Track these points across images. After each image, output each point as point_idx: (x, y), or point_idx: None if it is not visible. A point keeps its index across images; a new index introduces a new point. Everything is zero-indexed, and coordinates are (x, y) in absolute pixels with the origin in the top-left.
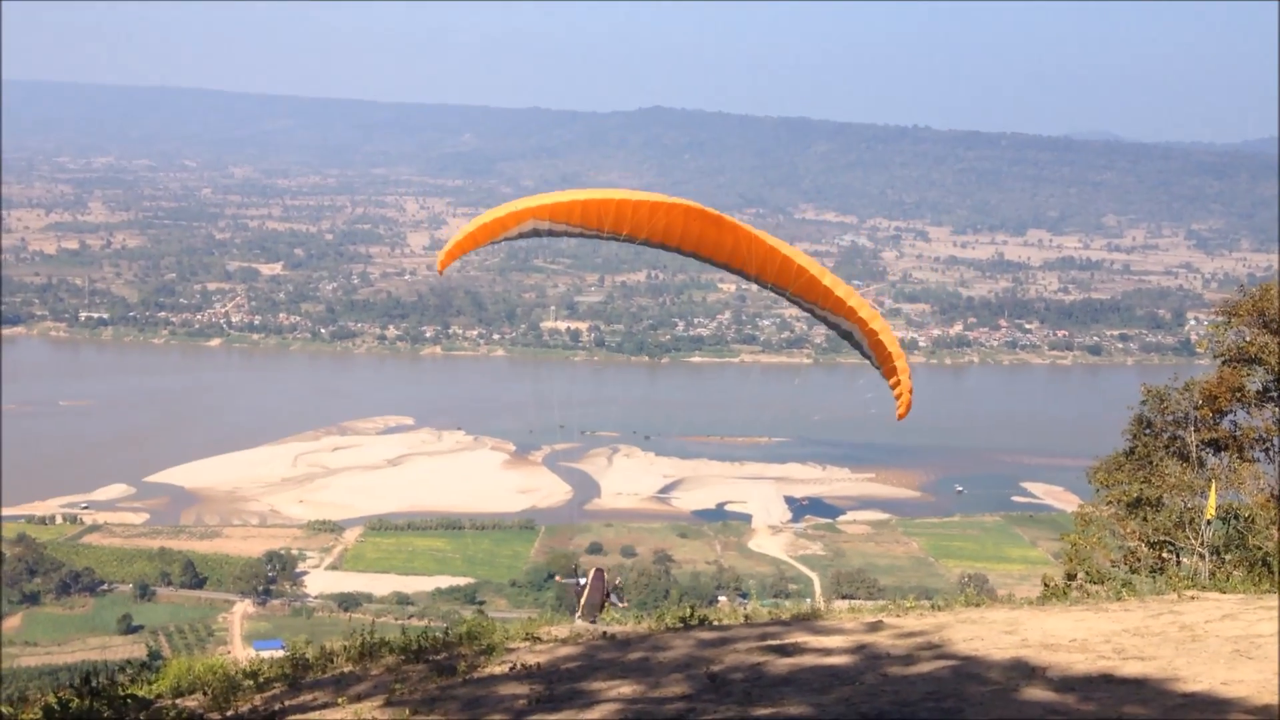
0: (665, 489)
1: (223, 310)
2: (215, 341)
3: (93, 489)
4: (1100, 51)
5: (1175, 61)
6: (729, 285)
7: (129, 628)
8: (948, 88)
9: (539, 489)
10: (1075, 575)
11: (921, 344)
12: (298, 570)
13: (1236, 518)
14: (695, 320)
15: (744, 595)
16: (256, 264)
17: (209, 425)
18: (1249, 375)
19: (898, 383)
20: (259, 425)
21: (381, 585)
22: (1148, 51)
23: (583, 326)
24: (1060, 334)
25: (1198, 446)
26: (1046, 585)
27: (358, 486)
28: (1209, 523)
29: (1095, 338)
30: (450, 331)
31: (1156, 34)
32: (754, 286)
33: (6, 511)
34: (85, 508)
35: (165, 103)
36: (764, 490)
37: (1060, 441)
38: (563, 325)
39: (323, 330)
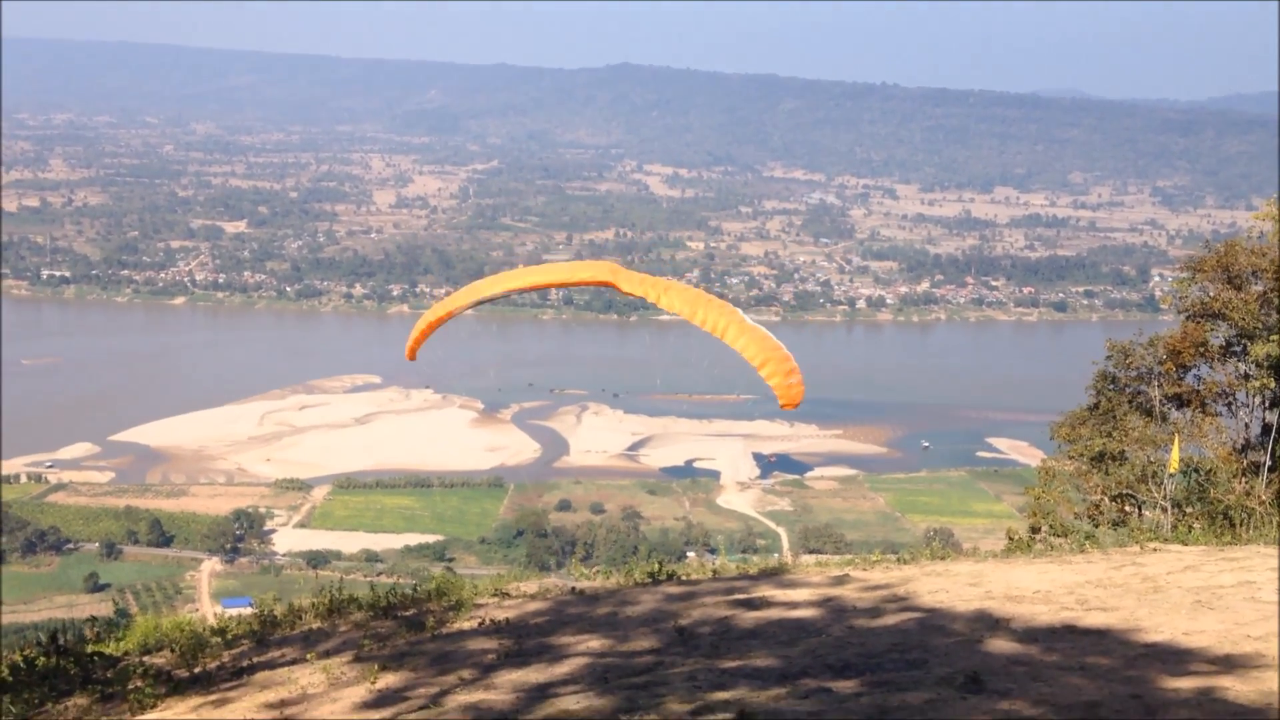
0: (634, 446)
1: (186, 268)
2: (179, 300)
3: (57, 448)
4: (1068, 9)
5: (1141, 19)
6: (697, 244)
7: (95, 586)
8: (916, 45)
9: (507, 447)
10: (1039, 529)
11: (889, 301)
12: (265, 528)
13: (1198, 471)
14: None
15: (712, 551)
16: (220, 222)
17: (174, 384)
18: (1212, 330)
19: (771, 374)
20: (225, 384)
21: (350, 543)
22: (1114, 9)
23: None
24: (1026, 291)
25: (1161, 401)
26: (1011, 539)
27: (325, 445)
28: (1171, 476)
29: (1061, 294)
30: (417, 290)
31: None
32: (722, 245)
33: None
34: (50, 466)
35: (126, 58)
36: (732, 447)
37: (1025, 397)
38: None
39: (288, 289)
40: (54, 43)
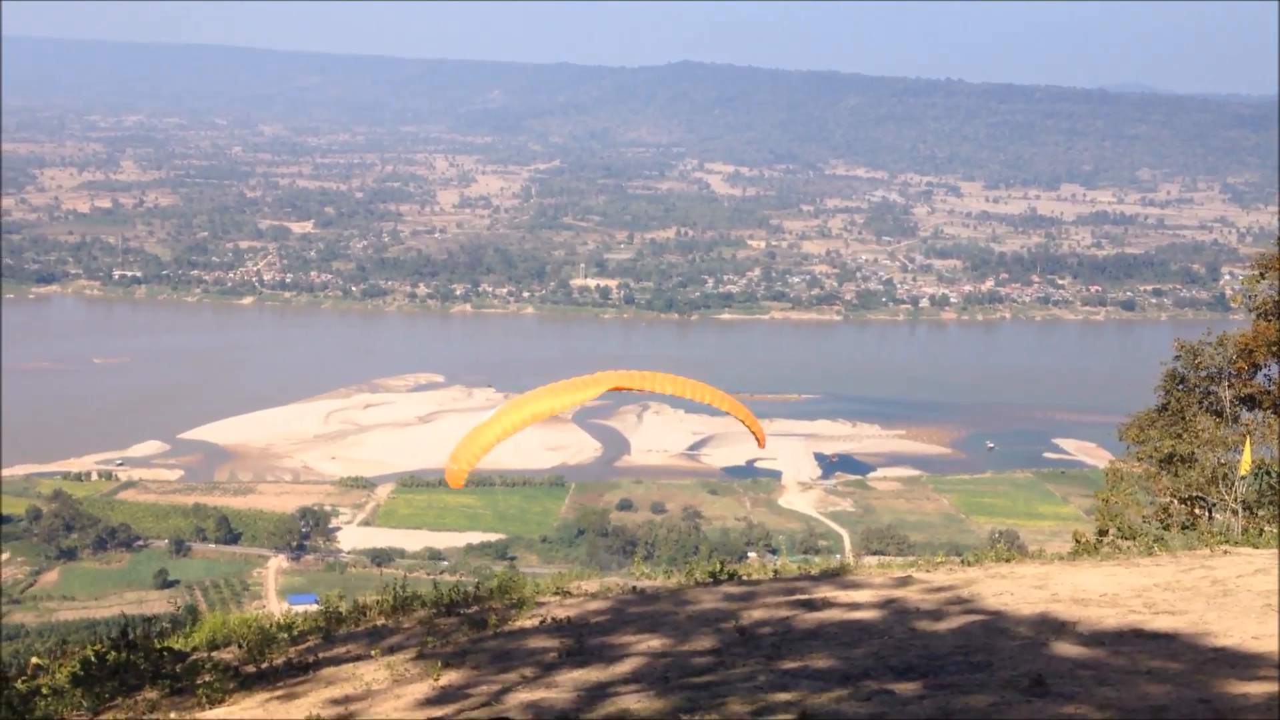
0: (694, 446)
1: (254, 268)
2: (247, 300)
3: (128, 446)
4: (1135, 2)
5: (1211, 12)
6: (758, 242)
7: (165, 583)
8: (980, 41)
9: (569, 446)
10: (1107, 531)
11: (953, 300)
12: (331, 526)
13: (1270, 473)
14: (725, 277)
15: (773, 551)
16: (287, 222)
17: (242, 383)
18: None
19: (750, 422)
20: (291, 382)
21: (413, 541)
22: (1183, 2)
23: (612, 284)
24: (1093, 289)
25: (1231, 402)
26: (1078, 541)
27: (389, 443)
28: (1242, 478)
29: (1129, 293)
30: (480, 289)
31: None
32: (784, 243)
33: (45, 468)
34: (120, 464)
35: (194, 60)
36: (794, 447)
37: (1093, 397)
38: (592, 283)
39: (353, 288)
40: (123, 45)
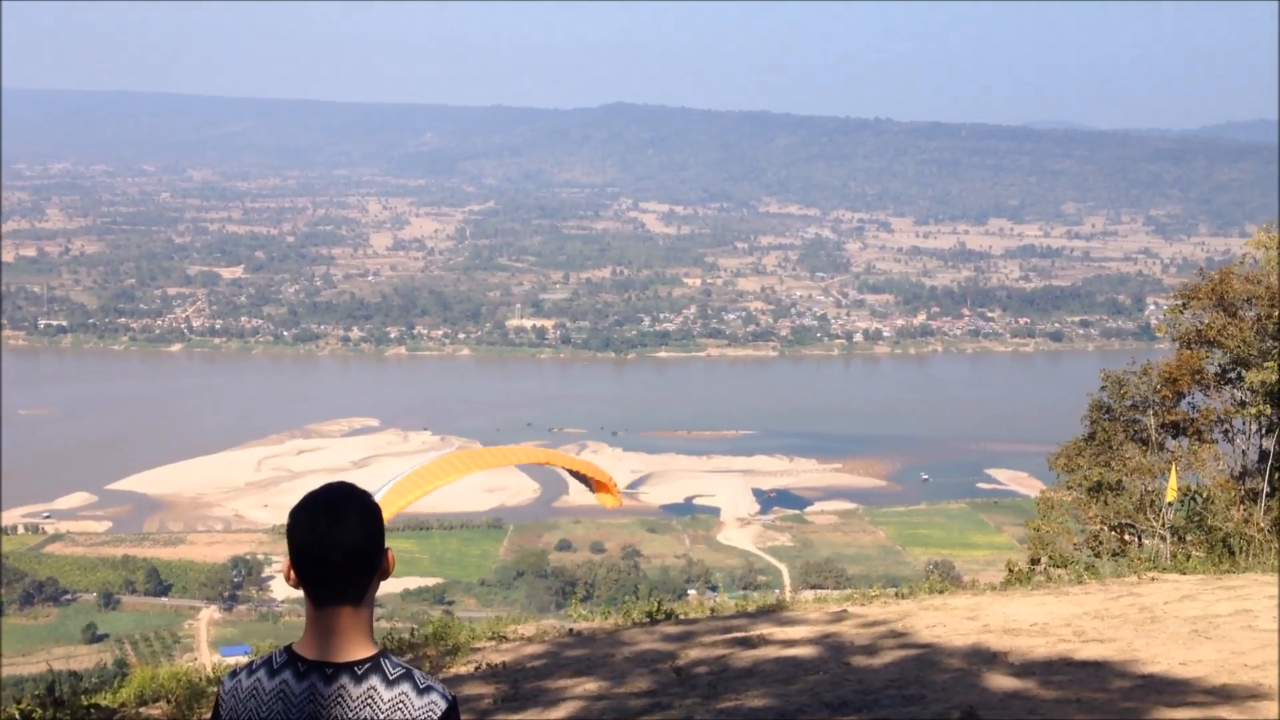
0: (633, 484)
1: (183, 315)
2: (176, 347)
3: (54, 498)
4: (1057, 41)
5: (1131, 50)
6: (694, 280)
7: (94, 637)
8: (908, 80)
9: (506, 487)
10: (1039, 560)
11: (886, 334)
12: (264, 575)
13: (1196, 499)
14: (661, 315)
15: (713, 588)
16: (217, 268)
17: (172, 431)
18: (1207, 358)
19: (600, 486)
20: (222, 430)
21: None
22: (1104, 40)
23: (548, 324)
24: (1022, 321)
25: (1157, 430)
26: (1010, 570)
27: None
28: (1170, 505)
29: (1057, 324)
30: (415, 331)
31: (1112, 23)
32: (719, 281)
33: None
34: (47, 517)
35: (123, 107)
36: (732, 483)
37: (1024, 427)
38: (528, 323)
39: (285, 333)
40: (51, 93)
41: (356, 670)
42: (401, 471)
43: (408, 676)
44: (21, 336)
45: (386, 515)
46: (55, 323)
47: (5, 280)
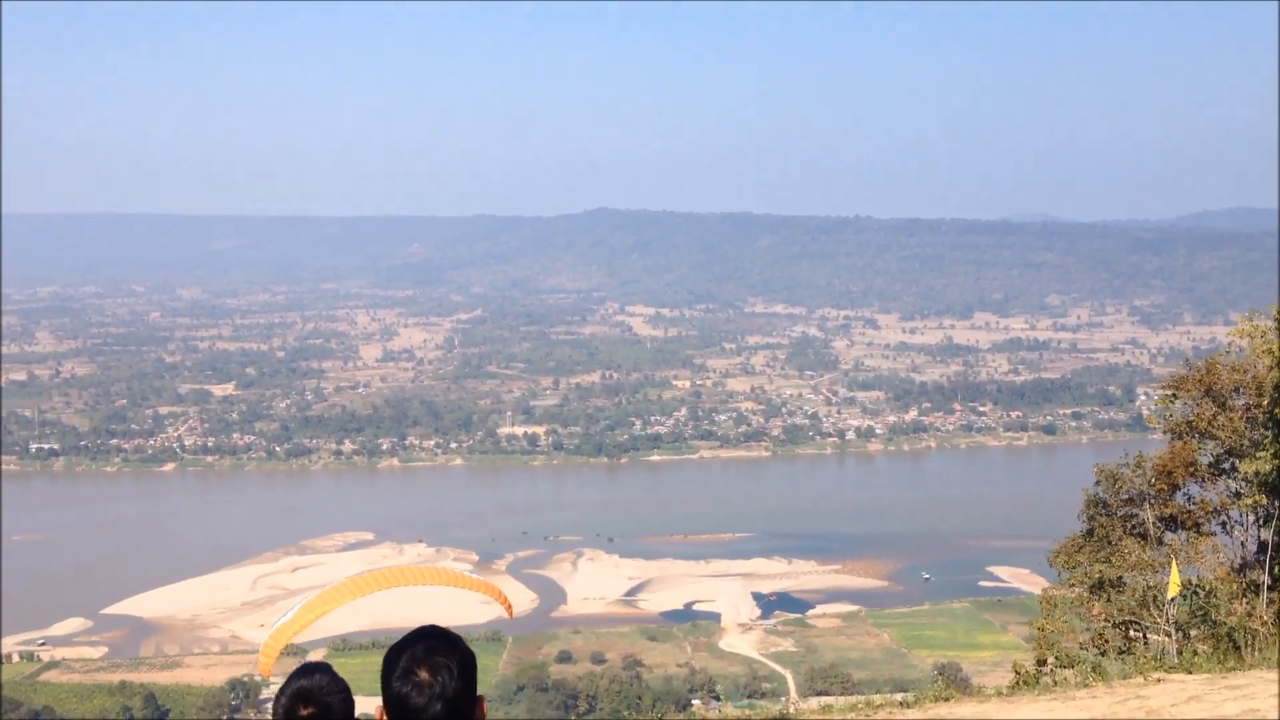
0: (632, 591)
1: (175, 434)
2: (169, 466)
3: (49, 624)
4: (1034, 135)
5: (1107, 142)
6: (683, 382)
7: None
8: (887, 177)
9: None
10: (1045, 660)
11: (878, 431)
12: (261, 697)
13: (1199, 593)
14: (652, 418)
15: (717, 698)
16: (208, 385)
17: (166, 552)
18: (1200, 449)
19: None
20: (217, 549)
21: None
22: (1080, 133)
23: (540, 430)
24: (1014, 415)
25: (1154, 524)
26: (1017, 672)
27: None
28: (1172, 600)
29: (1049, 417)
30: (407, 442)
31: (1088, 117)
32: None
33: None
34: (42, 644)
35: (110, 228)
36: (731, 587)
37: (1023, 523)
38: (520, 430)
39: (278, 448)
40: (38, 216)
41: None
42: (297, 603)
43: None
44: (14, 461)
45: (279, 647)
46: (47, 446)
47: None
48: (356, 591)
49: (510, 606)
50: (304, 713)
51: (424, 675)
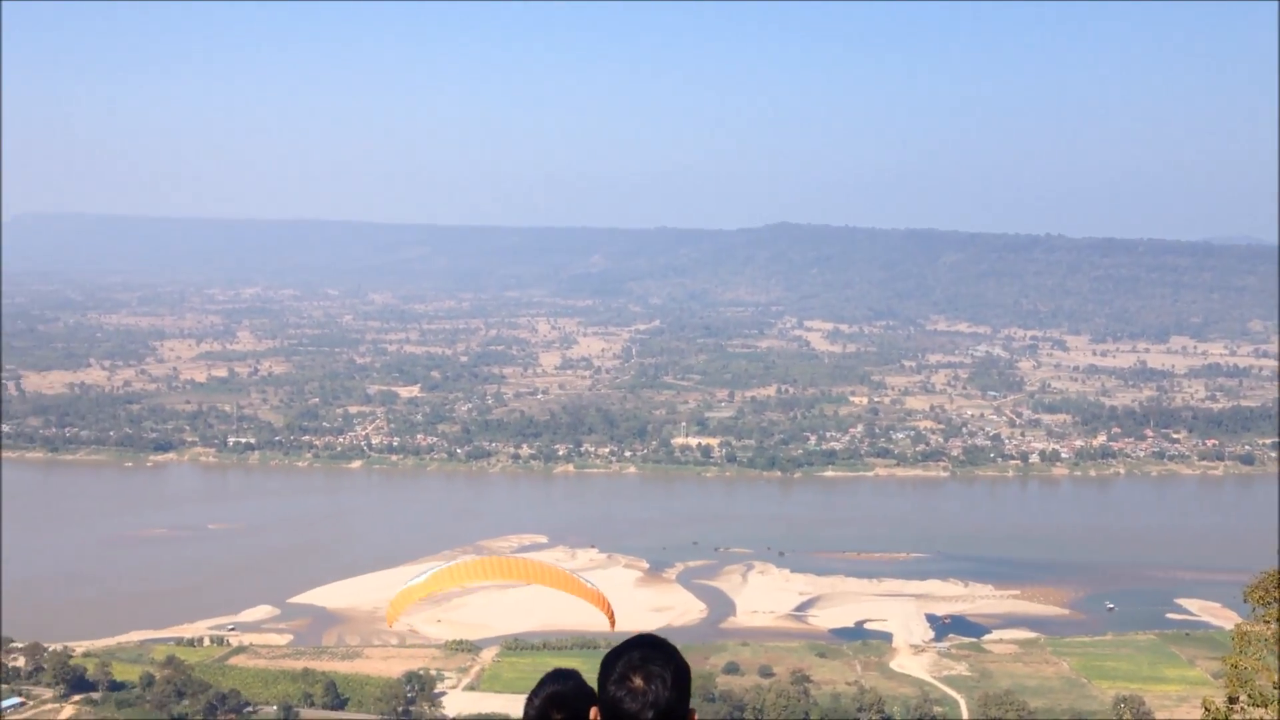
0: (801, 606)
1: (363, 432)
2: (356, 463)
3: (239, 610)
4: (1239, 153)
5: None
6: (860, 399)
7: None
8: (1080, 195)
9: (673, 607)
10: (1237, 698)
11: (1064, 455)
12: (436, 691)
13: None
14: (827, 434)
15: (887, 719)
16: (395, 386)
17: (350, 546)
18: None
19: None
20: (398, 545)
21: (518, 706)
22: None
23: (714, 442)
24: (1210, 443)
25: None
26: (1207, 709)
27: (493, 606)
28: None
29: (1247, 446)
30: (582, 449)
31: None
32: (886, 399)
33: (160, 634)
34: (232, 629)
35: (309, 235)
36: (904, 607)
37: (1216, 555)
38: (694, 441)
39: (458, 450)
40: (245, 222)
41: None
42: (430, 569)
43: None
44: (212, 453)
45: (406, 604)
46: (244, 440)
47: (198, 400)
48: (482, 574)
49: (614, 619)
50: (557, 717)
51: (638, 682)
